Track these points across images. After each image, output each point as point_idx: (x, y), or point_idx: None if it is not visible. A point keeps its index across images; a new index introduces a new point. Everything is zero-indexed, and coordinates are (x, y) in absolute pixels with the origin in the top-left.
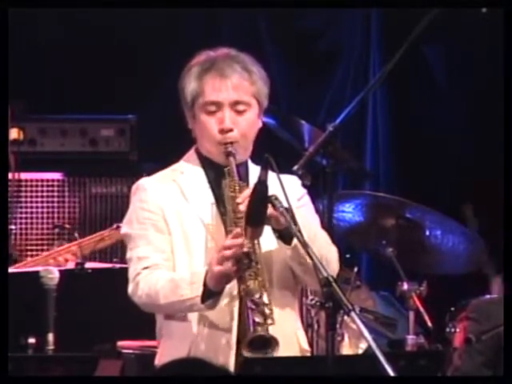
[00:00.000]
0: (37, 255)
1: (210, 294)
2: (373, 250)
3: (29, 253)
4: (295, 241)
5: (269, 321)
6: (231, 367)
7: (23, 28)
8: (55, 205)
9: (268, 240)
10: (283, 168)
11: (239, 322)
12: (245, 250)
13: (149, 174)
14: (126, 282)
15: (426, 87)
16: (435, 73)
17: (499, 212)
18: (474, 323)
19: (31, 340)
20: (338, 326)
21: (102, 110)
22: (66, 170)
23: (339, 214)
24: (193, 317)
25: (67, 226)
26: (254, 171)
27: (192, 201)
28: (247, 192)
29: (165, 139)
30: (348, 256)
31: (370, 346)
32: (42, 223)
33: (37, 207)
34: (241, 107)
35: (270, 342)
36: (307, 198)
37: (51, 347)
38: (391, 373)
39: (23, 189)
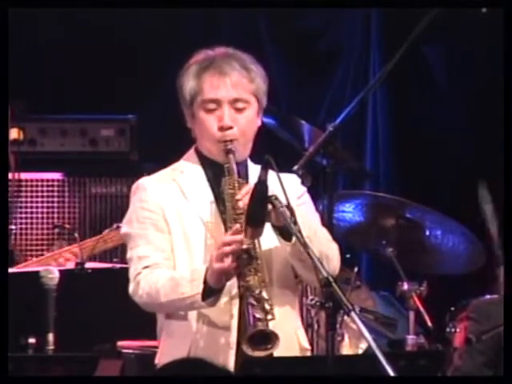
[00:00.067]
0: (37, 255)
1: (211, 292)
2: (373, 250)
3: (29, 253)
4: (295, 239)
5: (269, 316)
6: (231, 366)
7: (23, 28)
8: (55, 205)
9: (268, 238)
10: (283, 168)
11: (239, 320)
12: (244, 246)
13: (149, 174)
14: (126, 282)
15: (426, 87)
16: (435, 73)
17: (499, 212)
18: (474, 323)
19: (31, 340)
20: (338, 326)
21: (102, 110)
22: (66, 170)
23: (339, 213)
24: (193, 316)
25: (67, 225)
26: (254, 170)
27: (192, 200)
28: (246, 189)
29: (165, 139)
30: (348, 256)
31: (369, 346)
32: (42, 223)
33: (37, 207)
34: (240, 105)
35: (271, 337)
36: (307, 196)
37: (51, 347)
38: (391, 373)
39: (23, 189)
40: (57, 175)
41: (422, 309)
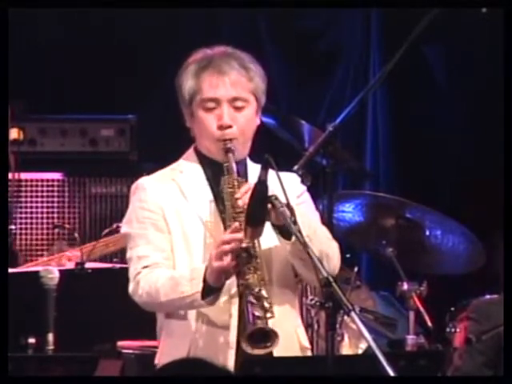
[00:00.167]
0: (37, 255)
1: (210, 290)
2: (373, 250)
3: (29, 253)
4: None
5: (268, 314)
6: (231, 366)
7: (23, 28)
8: (55, 205)
9: (268, 237)
10: (283, 168)
11: (239, 320)
12: (244, 244)
13: (148, 174)
14: (126, 282)
15: (426, 87)
16: (435, 73)
17: (499, 212)
18: (474, 323)
19: (31, 340)
20: (337, 325)
21: (102, 110)
22: (66, 170)
23: (339, 213)
24: (193, 315)
25: (67, 225)
26: (253, 169)
27: (191, 199)
28: (246, 187)
29: (165, 139)
30: (348, 256)
31: (369, 346)
32: (42, 223)
33: (37, 207)
34: (239, 104)
35: (270, 335)
36: (307, 195)
37: (51, 347)
38: (391, 373)
39: (23, 189)
40: (57, 175)
41: (421, 309)
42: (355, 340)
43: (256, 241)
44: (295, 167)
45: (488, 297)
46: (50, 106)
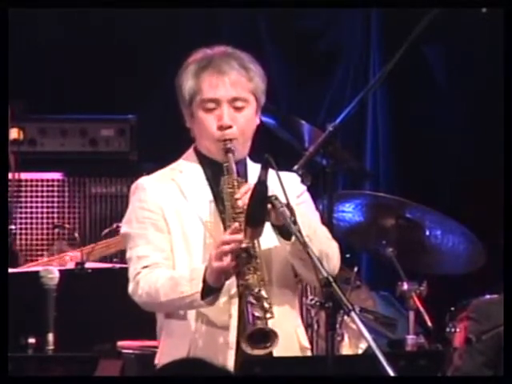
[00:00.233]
0: (37, 255)
1: (210, 291)
2: (373, 250)
3: (29, 253)
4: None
5: (268, 315)
6: (231, 366)
7: (23, 28)
8: (55, 205)
9: (268, 237)
10: (283, 168)
11: (238, 320)
12: (243, 245)
13: (149, 174)
14: (125, 282)
15: (426, 87)
16: (435, 73)
17: (499, 212)
18: (474, 323)
19: (31, 340)
20: (337, 326)
21: (102, 110)
22: (66, 170)
23: (339, 213)
24: (192, 315)
25: (67, 225)
26: (253, 169)
27: (191, 199)
28: (246, 188)
29: (165, 139)
30: (348, 256)
31: (369, 346)
32: (42, 223)
33: (37, 207)
34: (239, 104)
35: (270, 336)
36: (307, 195)
37: (51, 347)
38: (391, 373)
39: (23, 189)
40: (57, 175)
41: (421, 309)
42: (355, 340)
43: (256, 241)
44: (295, 167)
45: (488, 297)
46: (50, 105)
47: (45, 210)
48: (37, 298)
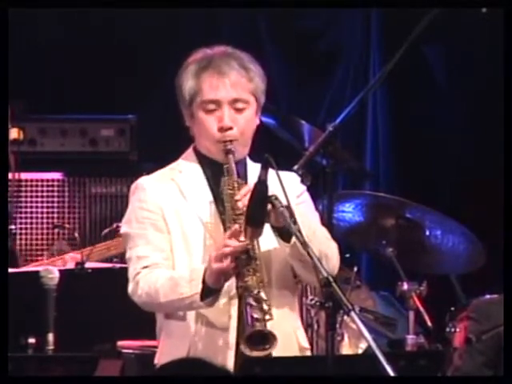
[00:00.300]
0: (37, 255)
1: (209, 292)
2: (373, 250)
3: (29, 253)
4: (294, 238)
5: (267, 316)
6: (230, 367)
7: (23, 28)
8: (55, 205)
9: (267, 239)
10: (283, 168)
11: (238, 321)
12: (244, 246)
13: (149, 174)
14: (125, 282)
15: (426, 87)
16: (435, 73)
17: (499, 212)
18: (474, 323)
19: (31, 340)
20: (337, 325)
21: (102, 110)
22: (66, 170)
23: (339, 213)
24: (192, 316)
25: (67, 225)
26: (253, 169)
27: (190, 199)
28: (246, 189)
29: (165, 139)
30: (348, 256)
31: (369, 346)
32: (42, 223)
33: (37, 207)
34: (240, 105)
35: (269, 338)
36: (306, 195)
37: (51, 347)
38: (391, 373)
39: (23, 189)
40: (57, 175)
41: (421, 309)
42: (355, 340)
43: (255, 243)
44: (295, 167)
45: (488, 297)
46: (50, 105)
47: (45, 209)
48: (37, 298)
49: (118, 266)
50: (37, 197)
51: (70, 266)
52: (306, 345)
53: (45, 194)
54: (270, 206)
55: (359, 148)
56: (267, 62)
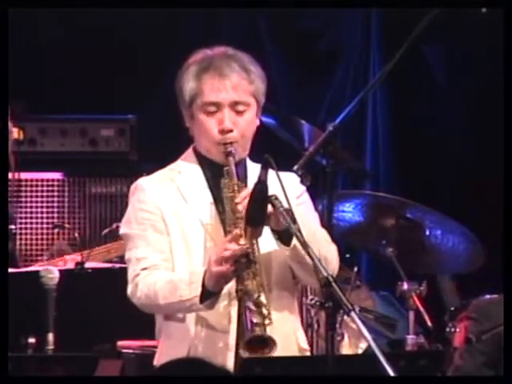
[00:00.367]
0: (37, 255)
1: (209, 295)
2: (373, 250)
3: (29, 253)
4: (294, 241)
5: (267, 321)
6: (230, 368)
7: (23, 28)
8: (55, 205)
9: (267, 241)
10: (283, 168)
11: (238, 323)
12: (244, 250)
13: (148, 174)
14: (125, 282)
15: (426, 87)
16: (435, 73)
17: (499, 212)
18: (474, 323)
19: (31, 340)
20: (337, 325)
21: (102, 110)
22: (66, 170)
23: (339, 213)
24: (192, 318)
25: (67, 225)
26: (253, 170)
27: (190, 201)
28: (246, 192)
29: (165, 139)
30: (348, 256)
31: (369, 346)
32: (42, 223)
33: (37, 207)
34: (240, 107)
35: (268, 343)
36: (306, 196)
37: (51, 347)
38: (391, 373)
39: (23, 189)
40: (57, 175)
41: (421, 309)
42: (355, 340)
43: (255, 246)
44: (295, 167)
45: (488, 297)
46: (50, 106)
47: (45, 209)
48: (37, 298)
49: (118, 266)
50: (37, 197)
51: (70, 265)
52: (306, 346)
53: (45, 193)
54: (270, 207)
55: (359, 148)
56: (267, 62)
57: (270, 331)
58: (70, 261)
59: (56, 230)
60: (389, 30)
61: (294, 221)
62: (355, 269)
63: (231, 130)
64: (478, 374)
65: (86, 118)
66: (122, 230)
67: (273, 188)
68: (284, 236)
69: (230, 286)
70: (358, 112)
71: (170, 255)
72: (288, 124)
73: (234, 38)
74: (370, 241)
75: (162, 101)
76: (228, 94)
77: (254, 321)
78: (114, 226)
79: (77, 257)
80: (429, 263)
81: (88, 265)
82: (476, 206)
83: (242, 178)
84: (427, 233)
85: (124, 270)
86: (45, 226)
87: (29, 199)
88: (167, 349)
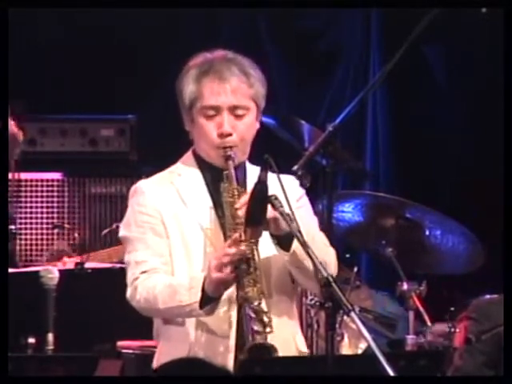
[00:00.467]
0: (36, 255)
1: (209, 300)
2: (373, 250)
3: (29, 253)
4: (293, 246)
5: (267, 329)
6: (230, 368)
7: (23, 28)
8: (55, 205)
9: (266, 246)
10: (283, 168)
11: (237, 328)
12: (244, 256)
13: (148, 177)
14: (125, 283)
15: (426, 87)
16: (435, 73)
17: (499, 212)
18: (474, 323)
19: (31, 340)
20: (337, 325)
21: (102, 110)
22: (66, 170)
23: (339, 213)
24: (191, 322)
25: (67, 225)
26: (252, 173)
27: (190, 205)
28: (246, 198)
29: (165, 139)
30: (348, 256)
31: (369, 346)
32: (42, 223)
33: (37, 207)
34: (240, 111)
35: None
36: (305, 199)
37: (51, 347)
38: (391, 373)
39: (23, 189)
40: (57, 175)
41: (421, 309)
42: (355, 340)
43: (255, 253)
44: (295, 167)
45: (488, 297)
46: (50, 106)
47: (45, 209)
48: (37, 298)
49: (118, 266)
50: (37, 197)
51: (70, 266)
52: (305, 350)
53: (45, 194)
54: (270, 208)
55: (359, 148)
56: (267, 63)
57: (269, 337)
58: (70, 262)
59: (56, 231)
60: (389, 30)
61: (294, 221)
62: (355, 269)
63: (230, 134)
64: (478, 374)
65: (86, 118)
66: (121, 233)
67: (273, 189)
68: (283, 241)
69: (231, 291)
70: (357, 112)
71: (169, 259)
72: (288, 124)
73: (234, 38)
74: (369, 241)
75: (162, 101)
76: (227, 97)
77: (255, 328)
78: (114, 226)
79: (77, 260)
80: (429, 263)
81: (88, 265)
82: (476, 205)
83: (242, 182)
84: (427, 233)
85: (124, 271)
86: (45, 226)
87: (29, 199)
88: (167, 351)
